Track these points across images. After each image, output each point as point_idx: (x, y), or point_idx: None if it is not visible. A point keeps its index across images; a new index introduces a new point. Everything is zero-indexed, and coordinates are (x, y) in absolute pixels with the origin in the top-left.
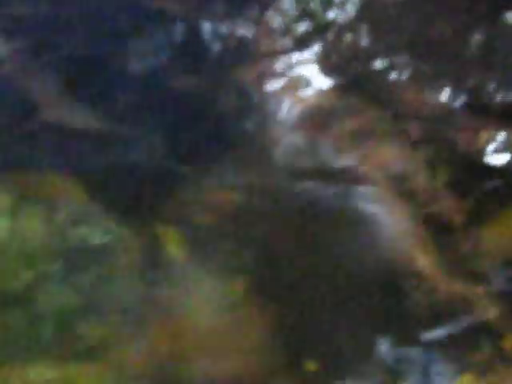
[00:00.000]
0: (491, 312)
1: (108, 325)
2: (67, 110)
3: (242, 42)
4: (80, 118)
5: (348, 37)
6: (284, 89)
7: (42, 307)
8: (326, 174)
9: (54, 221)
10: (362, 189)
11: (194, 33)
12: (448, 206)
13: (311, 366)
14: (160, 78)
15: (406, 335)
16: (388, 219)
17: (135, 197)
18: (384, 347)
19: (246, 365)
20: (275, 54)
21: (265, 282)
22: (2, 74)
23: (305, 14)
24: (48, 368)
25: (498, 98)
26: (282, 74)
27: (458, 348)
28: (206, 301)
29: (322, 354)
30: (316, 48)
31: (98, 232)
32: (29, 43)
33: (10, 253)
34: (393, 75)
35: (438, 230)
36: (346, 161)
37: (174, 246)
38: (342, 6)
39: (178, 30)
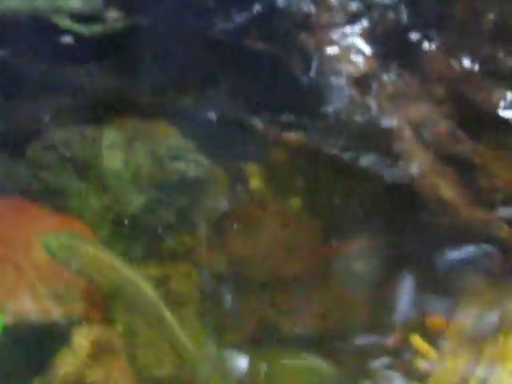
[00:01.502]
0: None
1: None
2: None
3: (306, 16)
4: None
5: (390, 14)
6: (338, 55)
7: (149, 224)
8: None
9: (157, 156)
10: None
11: (269, 7)
12: (468, 149)
13: None
14: (239, 41)
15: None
16: (418, 160)
17: (223, 139)
18: None
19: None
20: (332, 26)
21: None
22: None
23: None
24: (151, 267)
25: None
26: (337, 43)
27: None
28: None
29: None
30: (364, 23)
31: (193, 166)
32: None
33: (125, 181)
34: (425, 46)
35: (460, 168)
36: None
37: (255, 180)
38: None
39: (257, 5)
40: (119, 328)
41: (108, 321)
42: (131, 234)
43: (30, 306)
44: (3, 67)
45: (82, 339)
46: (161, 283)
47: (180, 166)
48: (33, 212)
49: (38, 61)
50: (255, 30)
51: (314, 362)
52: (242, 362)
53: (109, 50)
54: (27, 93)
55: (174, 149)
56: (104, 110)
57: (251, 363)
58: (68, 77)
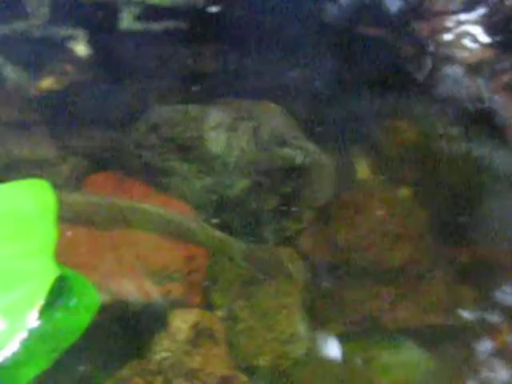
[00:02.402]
0: None
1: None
2: None
3: (420, 2)
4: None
5: (507, 1)
6: (452, 41)
7: (251, 208)
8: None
9: (262, 140)
10: None
11: None
12: None
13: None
14: (352, 27)
15: None
16: None
17: (334, 126)
18: None
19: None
20: (447, 13)
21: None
22: None
23: None
24: None
25: None
26: (451, 30)
27: None
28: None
29: None
30: (481, 10)
31: (299, 152)
32: None
33: (228, 163)
34: None
35: None
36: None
37: (363, 167)
38: None
39: None
40: (219, 313)
41: (208, 304)
42: (233, 217)
43: (129, 285)
44: (109, 50)
45: (181, 323)
46: None
47: (286, 152)
48: (133, 189)
49: (143, 43)
50: (365, 15)
51: (413, 355)
52: (338, 349)
53: (215, 32)
54: (133, 73)
55: (279, 133)
56: (209, 90)
57: (349, 352)
58: (173, 57)
